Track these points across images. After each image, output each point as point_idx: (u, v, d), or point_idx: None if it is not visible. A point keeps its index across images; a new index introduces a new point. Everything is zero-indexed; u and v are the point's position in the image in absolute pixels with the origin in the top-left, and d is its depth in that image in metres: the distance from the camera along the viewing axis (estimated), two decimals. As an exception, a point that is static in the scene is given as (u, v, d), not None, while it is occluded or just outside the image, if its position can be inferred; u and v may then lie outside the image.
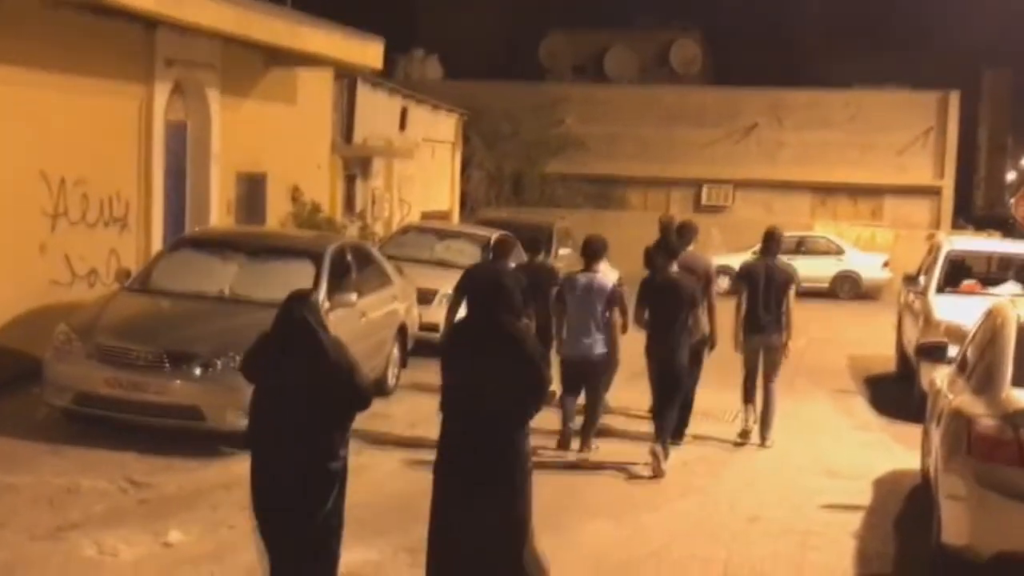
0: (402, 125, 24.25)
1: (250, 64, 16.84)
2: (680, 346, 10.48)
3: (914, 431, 11.21)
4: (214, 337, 10.13)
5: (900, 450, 11.78)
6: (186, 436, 10.02)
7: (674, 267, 10.62)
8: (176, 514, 8.42)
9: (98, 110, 13.43)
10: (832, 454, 11.65)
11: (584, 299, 10.50)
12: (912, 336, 14.99)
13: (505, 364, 6.32)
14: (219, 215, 16.13)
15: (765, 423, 11.63)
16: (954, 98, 34.95)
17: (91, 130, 13.29)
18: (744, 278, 11.52)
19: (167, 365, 9.90)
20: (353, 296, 11.30)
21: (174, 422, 9.94)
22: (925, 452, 9.90)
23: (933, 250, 16.16)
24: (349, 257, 12.18)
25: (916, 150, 35.07)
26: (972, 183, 53.44)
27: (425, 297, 15.43)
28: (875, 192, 35.33)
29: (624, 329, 10.81)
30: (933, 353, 9.73)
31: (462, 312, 10.25)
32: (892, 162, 34.94)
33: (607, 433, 11.46)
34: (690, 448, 11.53)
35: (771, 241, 11.61)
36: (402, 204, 24.13)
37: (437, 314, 15.53)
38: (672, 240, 11.27)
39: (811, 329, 20.60)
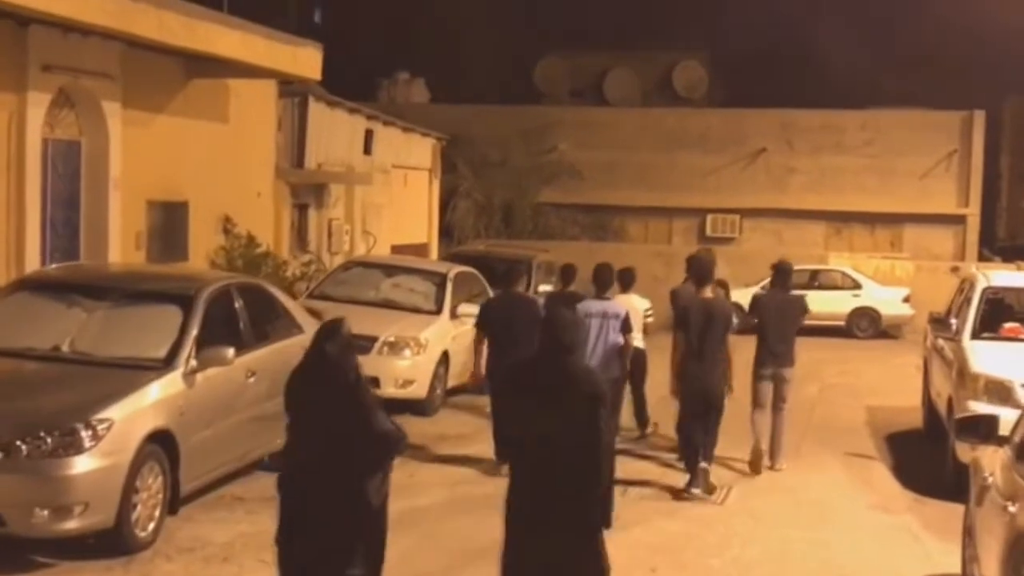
0: (367, 149, 21.84)
1: (163, 73, 14.53)
2: (717, 371, 10.56)
3: (949, 513, 9.06)
4: (24, 413, 7.67)
5: (932, 542, 9.41)
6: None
7: (707, 291, 10.91)
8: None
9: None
10: (843, 551, 9.20)
11: (599, 326, 10.79)
12: (942, 389, 12.57)
13: (573, 407, 6.04)
14: (123, 250, 13.76)
15: (776, 449, 11.65)
16: (979, 118, 32.68)
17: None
18: (757, 311, 11.69)
19: (-33, 451, 7.44)
20: (228, 352, 8.86)
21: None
22: (968, 558, 7.43)
23: (965, 286, 13.69)
24: (237, 302, 9.75)
25: (939, 175, 32.79)
26: (995, 212, 51.22)
27: (362, 347, 13.03)
28: (894, 221, 33.09)
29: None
30: (977, 431, 7.16)
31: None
32: (913, 188, 32.67)
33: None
34: (661, 527, 9.20)
35: (781, 275, 11.92)
36: (367, 236, 21.68)
37: (376, 365, 13.18)
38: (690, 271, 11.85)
39: (825, 373, 18.44)
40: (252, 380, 9.47)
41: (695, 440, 10.50)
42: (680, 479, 10.65)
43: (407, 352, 13.47)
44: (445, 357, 13.99)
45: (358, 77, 35.05)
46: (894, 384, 17.64)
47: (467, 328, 14.59)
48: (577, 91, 39.27)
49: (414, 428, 11.20)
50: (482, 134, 31.33)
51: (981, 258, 31.31)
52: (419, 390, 13.44)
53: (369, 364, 12.72)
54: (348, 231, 20.65)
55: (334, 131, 20.35)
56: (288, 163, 18.68)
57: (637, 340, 11.91)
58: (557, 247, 26.67)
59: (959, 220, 33.07)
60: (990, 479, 6.55)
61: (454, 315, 14.49)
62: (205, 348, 8.81)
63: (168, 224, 14.87)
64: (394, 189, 23.56)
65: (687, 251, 26.44)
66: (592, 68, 39.25)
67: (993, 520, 6.12)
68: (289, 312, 10.62)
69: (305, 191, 19.21)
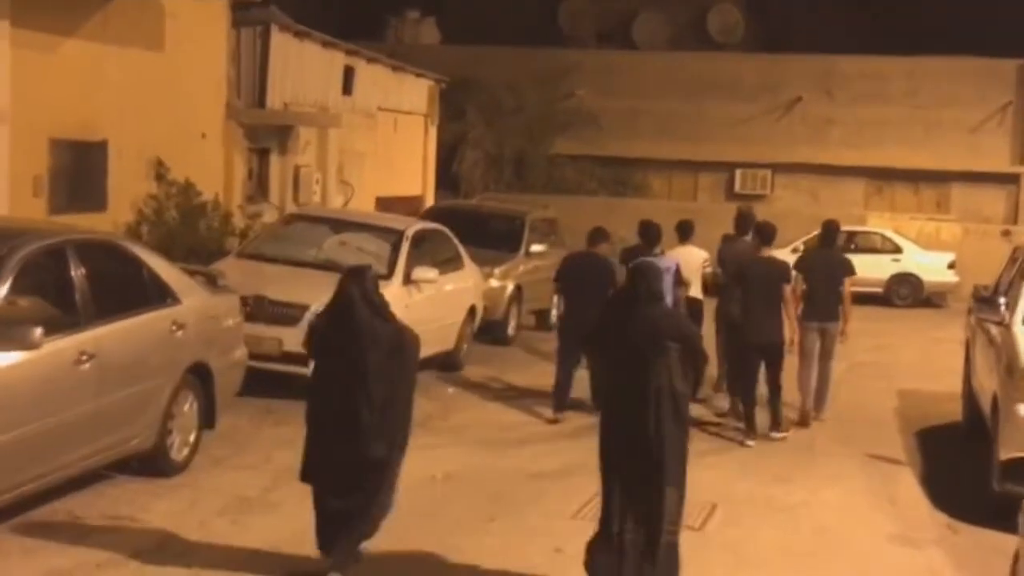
0: (347, 88, 19.62)
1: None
2: (777, 325, 11.10)
3: (989, 547, 7.64)
4: None
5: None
6: None
7: (764, 251, 11.41)
8: None
9: None
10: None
11: None
12: (986, 382, 10.37)
13: (666, 351, 6.45)
14: (14, 196, 11.73)
15: (820, 399, 12.12)
16: (1037, 67, 30.24)
17: None
18: (804, 269, 12.07)
19: None
20: (32, 332, 6.72)
21: None
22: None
23: (1018, 256, 11.43)
24: (76, 267, 7.60)
25: (991, 129, 30.61)
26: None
27: (288, 316, 11.15)
28: (941, 179, 31.03)
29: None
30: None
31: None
32: (962, 143, 30.52)
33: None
34: None
35: (828, 233, 12.75)
36: (344, 187, 19.51)
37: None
38: (755, 230, 12.00)
39: (856, 348, 16.15)
40: (88, 366, 7.35)
41: (752, 393, 11.05)
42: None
43: (344, 324, 11.33)
44: (394, 330, 11.85)
45: (366, 16, 32.90)
46: (933, 364, 15.66)
47: (424, 296, 12.55)
48: (604, 34, 36.81)
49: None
50: (494, 78, 29.39)
51: (1032, 221, 29.39)
52: (358, 369, 11.33)
53: (293, 338, 10.88)
54: (319, 180, 18.47)
55: (305, 67, 18.17)
56: (246, 102, 16.52)
57: (695, 291, 12.29)
58: (572, 202, 24.65)
59: (1013, 179, 31.03)
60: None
61: (409, 280, 12.38)
62: (6, 328, 6.70)
63: (80, 167, 12.86)
64: (380, 135, 21.42)
65: (713, 209, 24.34)
66: (621, 9, 36.82)
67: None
68: (159, 279, 8.47)
69: (266, 134, 17.06)
